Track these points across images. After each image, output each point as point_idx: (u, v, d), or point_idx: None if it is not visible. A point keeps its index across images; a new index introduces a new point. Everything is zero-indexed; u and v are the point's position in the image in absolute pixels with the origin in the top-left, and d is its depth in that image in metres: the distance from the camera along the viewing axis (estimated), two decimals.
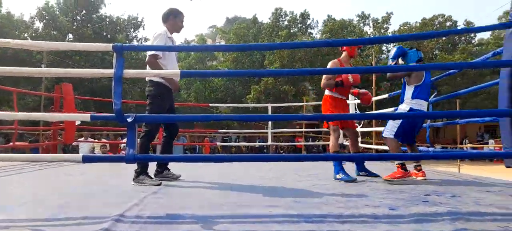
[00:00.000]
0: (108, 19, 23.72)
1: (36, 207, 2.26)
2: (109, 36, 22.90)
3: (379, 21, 24.38)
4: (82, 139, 10.13)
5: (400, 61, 3.71)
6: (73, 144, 8.69)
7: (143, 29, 33.79)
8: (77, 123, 6.95)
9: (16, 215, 2.02)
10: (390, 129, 3.56)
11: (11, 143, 6.45)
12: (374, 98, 8.39)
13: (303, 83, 22.75)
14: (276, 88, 21.49)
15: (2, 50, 17.41)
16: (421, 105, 3.49)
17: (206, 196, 2.67)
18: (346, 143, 6.60)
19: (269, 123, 8.33)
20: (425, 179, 3.56)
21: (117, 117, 2.32)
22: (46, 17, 21.70)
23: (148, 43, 4.53)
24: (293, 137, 19.50)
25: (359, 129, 7.00)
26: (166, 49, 3.30)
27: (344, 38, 19.51)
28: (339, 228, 1.76)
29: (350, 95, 5.02)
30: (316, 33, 25.93)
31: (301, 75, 22.00)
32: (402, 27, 23.76)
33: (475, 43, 23.56)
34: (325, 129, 4.44)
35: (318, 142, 16.91)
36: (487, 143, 19.36)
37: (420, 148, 4.48)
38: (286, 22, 25.13)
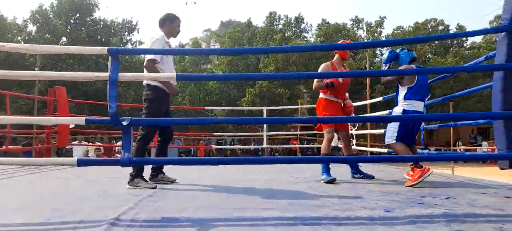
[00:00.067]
0: (102, 23, 23.64)
1: (30, 211, 2.24)
2: (103, 39, 22.81)
3: (372, 25, 24.55)
4: (76, 142, 10.07)
5: (393, 65, 3.76)
6: (67, 147, 8.63)
7: (138, 32, 33.68)
8: (71, 126, 6.91)
9: (9, 219, 2.00)
10: (390, 135, 3.56)
11: (4, 147, 6.38)
12: (368, 101, 8.44)
13: (298, 86, 22.82)
14: (271, 91, 21.52)
15: None
16: (414, 106, 3.49)
17: (201, 199, 2.66)
18: (340, 145, 6.62)
19: (264, 125, 8.34)
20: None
21: (112, 120, 2.31)
22: (40, 20, 21.56)
23: (146, 48, 4.53)
24: (288, 140, 19.52)
25: (353, 131, 7.04)
26: (163, 53, 3.29)
27: (338, 42, 19.56)
28: (336, 230, 1.76)
29: None
30: (310, 37, 26.07)
31: (295, 79, 22.07)
32: (395, 31, 23.94)
33: (467, 46, 23.80)
34: (320, 132, 4.46)
35: (313, 144, 16.96)
36: (480, 145, 19.53)
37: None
38: (280, 26, 25.22)
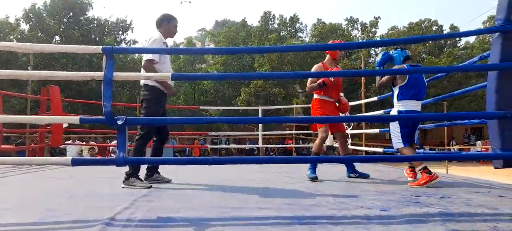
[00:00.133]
0: (96, 22, 23.49)
1: (24, 211, 2.21)
2: (97, 38, 22.68)
3: (367, 25, 24.66)
4: (69, 142, 10.00)
5: (388, 66, 3.75)
6: (60, 146, 8.56)
7: (132, 32, 33.57)
8: (65, 125, 6.86)
9: (3, 219, 1.97)
10: (396, 140, 3.49)
11: None
12: (363, 101, 8.47)
13: (293, 86, 22.85)
14: (266, 91, 21.53)
15: None
16: (409, 105, 3.45)
17: (197, 199, 2.65)
18: (336, 145, 6.63)
19: (260, 125, 8.34)
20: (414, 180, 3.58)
21: (107, 119, 2.29)
22: (33, 19, 21.38)
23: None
24: (283, 139, 19.54)
25: (349, 131, 7.06)
26: (158, 52, 3.29)
27: (334, 42, 19.64)
28: (332, 230, 1.76)
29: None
30: (305, 37, 26.12)
31: (290, 78, 22.09)
32: (390, 31, 24.07)
33: (460, 47, 23.99)
34: (316, 132, 4.46)
35: (308, 144, 16.98)
36: (474, 144, 19.70)
37: None
38: (275, 26, 25.25)
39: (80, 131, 10.84)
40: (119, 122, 2.26)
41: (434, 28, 23.43)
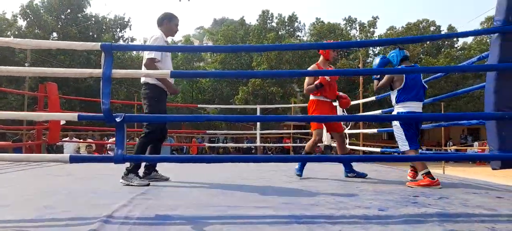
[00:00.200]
0: (93, 19, 23.41)
1: (21, 208, 2.20)
2: (94, 35, 22.63)
3: (365, 25, 24.69)
4: (67, 139, 9.97)
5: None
6: (57, 143, 8.54)
7: (130, 29, 33.49)
8: (62, 122, 6.83)
9: (0, 215, 1.96)
10: (402, 144, 3.44)
11: None
12: (361, 101, 8.48)
13: (291, 85, 22.86)
14: (264, 90, 21.54)
15: None
16: (408, 106, 3.41)
17: (195, 197, 2.64)
18: (334, 144, 6.64)
19: (258, 124, 8.33)
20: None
21: (105, 116, 2.28)
22: (30, 16, 21.28)
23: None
24: (281, 138, 19.55)
25: (346, 131, 7.07)
26: (158, 49, 3.28)
27: (332, 41, 19.67)
28: (331, 229, 1.76)
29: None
30: (303, 36, 26.13)
31: (288, 77, 22.10)
32: (388, 31, 24.12)
33: (458, 47, 24.07)
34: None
35: (305, 143, 17.00)
36: (471, 145, 19.78)
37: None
38: (274, 24, 25.24)
39: (78, 128, 10.81)
40: (118, 119, 2.25)
41: (432, 28, 23.50)
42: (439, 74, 5.24)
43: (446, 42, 23.66)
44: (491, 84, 2.48)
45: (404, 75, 3.44)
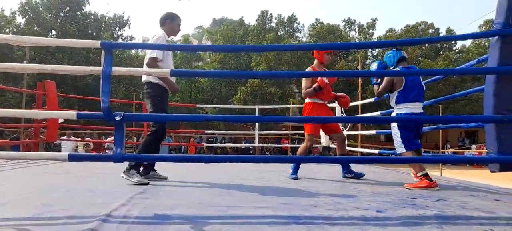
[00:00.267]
0: (92, 17, 23.36)
1: (19, 206, 2.19)
2: (93, 34, 22.57)
3: (364, 27, 24.73)
4: (64, 137, 9.94)
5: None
6: (55, 142, 8.51)
7: (129, 28, 33.35)
8: (60, 120, 6.82)
9: None
10: (398, 145, 3.43)
11: None
12: (360, 102, 8.49)
13: (289, 86, 22.87)
14: (263, 90, 21.53)
15: None
16: (408, 108, 3.39)
17: (193, 197, 2.64)
18: (332, 145, 6.64)
19: (256, 124, 8.33)
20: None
21: (105, 115, 2.27)
22: (29, 13, 21.21)
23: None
24: (279, 139, 19.56)
25: (345, 132, 7.08)
26: (158, 48, 3.29)
27: (331, 42, 19.70)
28: (329, 230, 1.76)
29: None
30: (303, 37, 26.15)
31: (286, 78, 22.11)
32: (387, 33, 24.15)
33: (456, 50, 24.12)
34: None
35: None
36: (469, 148, 19.82)
37: None
38: (273, 25, 25.26)
39: (76, 126, 10.78)
40: (117, 118, 2.24)
41: (430, 31, 23.53)
42: (437, 76, 5.26)
43: (445, 44, 23.71)
44: (491, 87, 2.48)
45: (403, 77, 3.42)
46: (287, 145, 15.62)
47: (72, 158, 2.32)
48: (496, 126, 2.42)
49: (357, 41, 22.94)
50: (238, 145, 18.18)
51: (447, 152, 18.54)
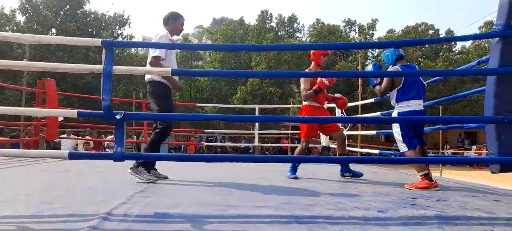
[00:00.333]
0: (92, 16, 23.33)
1: (20, 204, 2.19)
2: (93, 32, 22.53)
3: (364, 27, 24.73)
4: (64, 136, 9.94)
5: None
6: (55, 140, 8.51)
7: (129, 27, 33.32)
8: (60, 119, 6.81)
9: None
10: (400, 145, 3.41)
11: None
12: (360, 102, 8.49)
13: (289, 86, 22.86)
14: (263, 90, 21.53)
15: None
16: (409, 106, 3.38)
17: (194, 196, 2.64)
18: (332, 145, 6.64)
19: (256, 124, 8.33)
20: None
21: (105, 113, 2.27)
22: (29, 11, 21.19)
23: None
24: (279, 139, 19.55)
25: (345, 132, 7.08)
26: (159, 46, 3.29)
27: (332, 42, 19.71)
28: (330, 229, 1.76)
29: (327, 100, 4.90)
30: (303, 37, 26.15)
31: (286, 78, 22.11)
32: (387, 34, 24.16)
33: (456, 51, 24.13)
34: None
35: None
36: (468, 149, 19.83)
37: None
38: (273, 24, 25.25)
39: (76, 125, 10.78)
40: (118, 116, 2.24)
41: (430, 32, 23.53)
42: (437, 77, 5.26)
43: (445, 46, 23.73)
44: (491, 88, 2.49)
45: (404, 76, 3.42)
46: (287, 144, 15.61)
47: (72, 156, 2.31)
48: (497, 127, 2.43)
49: (357, 42, 22.94)
50: (238, 144, 18.17)
51: (447, 152, 18.56)
